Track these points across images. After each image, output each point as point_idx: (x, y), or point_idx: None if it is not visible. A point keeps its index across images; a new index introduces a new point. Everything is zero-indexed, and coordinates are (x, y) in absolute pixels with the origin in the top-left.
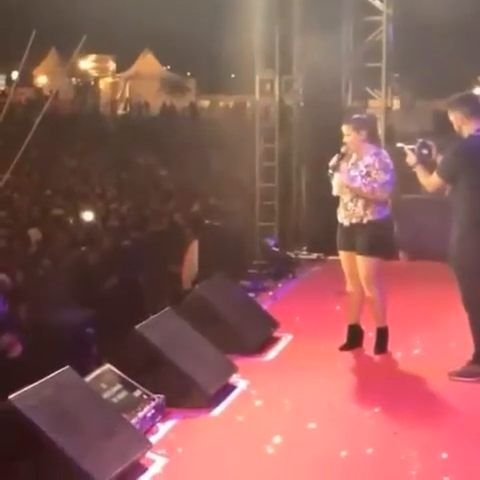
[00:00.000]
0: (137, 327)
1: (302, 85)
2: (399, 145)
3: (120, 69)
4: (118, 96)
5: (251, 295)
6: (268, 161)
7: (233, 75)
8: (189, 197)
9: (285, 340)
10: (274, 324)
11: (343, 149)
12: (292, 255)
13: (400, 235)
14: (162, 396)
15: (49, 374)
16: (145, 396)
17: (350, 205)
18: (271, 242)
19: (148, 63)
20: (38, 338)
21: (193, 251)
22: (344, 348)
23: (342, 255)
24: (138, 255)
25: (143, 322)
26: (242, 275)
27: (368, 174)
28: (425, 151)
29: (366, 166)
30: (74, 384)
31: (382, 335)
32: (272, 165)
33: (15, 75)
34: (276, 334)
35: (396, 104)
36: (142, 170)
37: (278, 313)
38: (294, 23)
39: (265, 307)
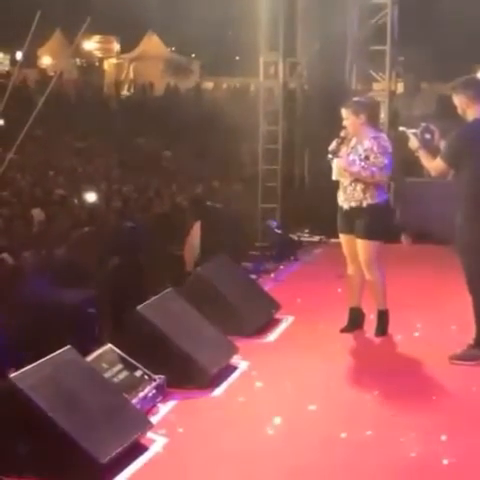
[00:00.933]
0: (139, 307)
1: (306, 68)
2: (401, 129)
3: (124, 50)
4: (122, 77)
5: (253, 277)
6: (271, 143)
7: (237, 57)
8: (192, 179)
9: (286, 322)
10: (275, 306)
11: (342, 133)
12: (294, 237)
13: (403, 218)
14: (163, 376)
15: (50, 353)
16: (146, 376)
17: (349, 189)
18: (273, 224)
19: (153, 44)
20: (39, 318)
21: (195, 233)
22: (345, 330)
23: (342, 238)
24: (140, 236)
25: (145, 303)
26: (244, 257)
27: (367, 158)
28: (428, 136)
29: (365, 150)
30: (75, 363)
31: (383, 318)
32: (275, 147)
33: (19, 56)
34: (277, 316)
35: (400, 87)
36: (146, 151)
37: (279, 295)
38: (298, 5)
39: (267, 289)
